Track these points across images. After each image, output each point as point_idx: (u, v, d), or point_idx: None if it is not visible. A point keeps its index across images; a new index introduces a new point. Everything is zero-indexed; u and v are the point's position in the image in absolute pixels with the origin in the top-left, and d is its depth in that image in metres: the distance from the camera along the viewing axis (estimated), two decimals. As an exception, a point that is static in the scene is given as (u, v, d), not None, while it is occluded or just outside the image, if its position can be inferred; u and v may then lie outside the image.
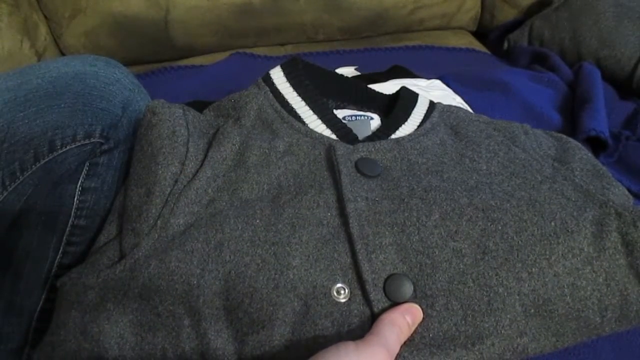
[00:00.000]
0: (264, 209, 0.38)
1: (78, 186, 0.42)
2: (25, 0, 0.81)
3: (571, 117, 0.68)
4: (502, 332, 0.34)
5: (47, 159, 0.41)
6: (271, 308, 0.34)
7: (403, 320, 0.33)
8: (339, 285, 0.35)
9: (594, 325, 0.37)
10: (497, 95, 0.72)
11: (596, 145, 0.62)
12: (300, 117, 0.46)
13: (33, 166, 0.41)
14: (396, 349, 0.32)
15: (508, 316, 0.35)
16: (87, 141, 0.42)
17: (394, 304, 0.34)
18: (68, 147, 0.41)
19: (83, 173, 0.42)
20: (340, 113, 0.50)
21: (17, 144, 0.40)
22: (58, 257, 0.41)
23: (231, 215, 0.37)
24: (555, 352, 0.37)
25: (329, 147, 0.43)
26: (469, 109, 0.61)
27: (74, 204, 0.42)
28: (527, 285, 0.36)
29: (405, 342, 0.33)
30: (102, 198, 0.43)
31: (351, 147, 0.43)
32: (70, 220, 0.42)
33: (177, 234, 0.37)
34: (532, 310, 0.35)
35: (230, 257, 0.35)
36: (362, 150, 0.43)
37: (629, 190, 0.45)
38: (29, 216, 0.41)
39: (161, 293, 0.34)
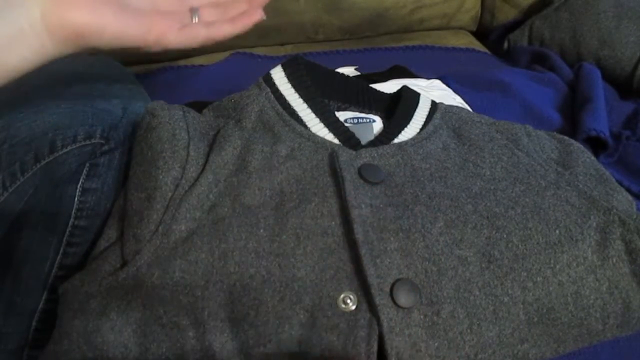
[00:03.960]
0: (268, 218, 0.38)
1: (78, 187, 0.42)
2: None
3: (571, 117, 0.68)
4: (505, 340, 0.34)
5: (47, 160, 0.41)
6: (277, 321, 0.33)
7: None
8: (345, 294, 0.34)
9: (596, 331, 0.37)
10: (497, 95, 0.72)
11: (596, 145, 0.62)
12: (302, 120, 0.45)
13: (33, 167, 0.41)
14: None
15: (512, 325, 0.35)
16: (87, 142, 0.42)
17: (401, 310, 0.34)
18: (68, 148, 0.41)
19: (83, 174, 0.42)
20: (342, 115, 0.49)
21: (18, 144, 0.40)
22: (58, 257, 0.41)
23: (234, 224, 0.37)
24: (554, 353, 0.37)
25: (332, 152, 0.42)
26: (469, 109, 0.61)
27: (75, 204, 0.42)
28: (531, 294, 0.36)
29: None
30: (103, 199, 0.43)
31: (354, 153, 0.42)
32: (71, 221, 0.42)
33: (179, 241, 0.37)
34: (536, 319, 0.35)
35: (234, 268, 0.35)
36: (365, 156, 0.42)
37: (629, 191, 0.45)
38: (30, 217, 0.41)
39: (165, 304, 0.34)
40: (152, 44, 0.37)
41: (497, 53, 0.97)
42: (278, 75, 0.49)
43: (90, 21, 0.33)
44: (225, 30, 0.40)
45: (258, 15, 0.42)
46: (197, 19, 0.40)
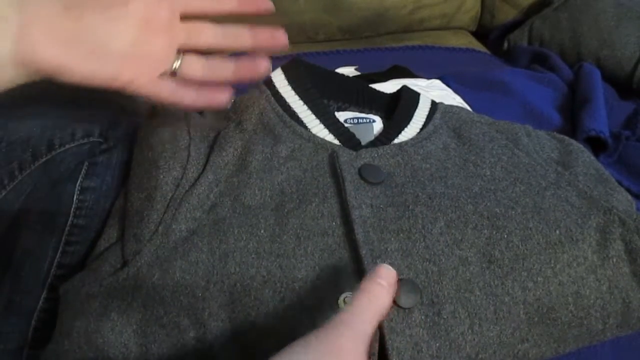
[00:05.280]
0: (268, 219, 0.38)
1: (77, 186, 0.42)
2: None
3: (571, 117, 0.68)
4: (505, 340, 0.34)
5: (45, 158, 0.41)
6: (278, 322, 0.33)
7: (376, 286, 0.30)
8: (345, 294, 0.34)
9: (596, 331, 0.37)
10: (497, 95, 0.72)
11: (596, 145, 0.62)
12: (302, 121, 0.45)
13: (32, 165, 0.40)
14: (372, 324, 0.29)
15: (512, 325, 0.35)
16: (85, 140, 0.42)
17: (401, 310, 0.34)
18: (67, 147, 0.41)
19: (82, 172, 0.42)
20: (342, 115, 0.49)
21: (16, 143, 0.40)
22: (57, 256, 0.41)
23: (235, 224, 0.37)
24: (553, 352, 0.37)
25: (332, 153, 0.42)
26: (469, 109, 0.61)
27: (73, 203, 0.42)
28: (532, 294, 0.36)
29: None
30: (102, 198, 0.43)
31: (354, 153, 0.42)
32: (70, 220, 0.42)
33: (180, 241, 0.37)
34: (536, 319, 0.35)
35: (235, 269, 0.35)
36: (365, 157, 0.42)
37: (629, 191, 0.45)
38: (28, 216, 0.41)
39: (166, 304, 0.34)
40: (120, 89, 0.36)
41: (497, 53, 0.97)
42: (278, 77, 0.49)
43: (61, 62, 0.33)
44: (195, 101, 0.38)
45: (224, 97, 0.39)
46: (178, 64, 0.38)
